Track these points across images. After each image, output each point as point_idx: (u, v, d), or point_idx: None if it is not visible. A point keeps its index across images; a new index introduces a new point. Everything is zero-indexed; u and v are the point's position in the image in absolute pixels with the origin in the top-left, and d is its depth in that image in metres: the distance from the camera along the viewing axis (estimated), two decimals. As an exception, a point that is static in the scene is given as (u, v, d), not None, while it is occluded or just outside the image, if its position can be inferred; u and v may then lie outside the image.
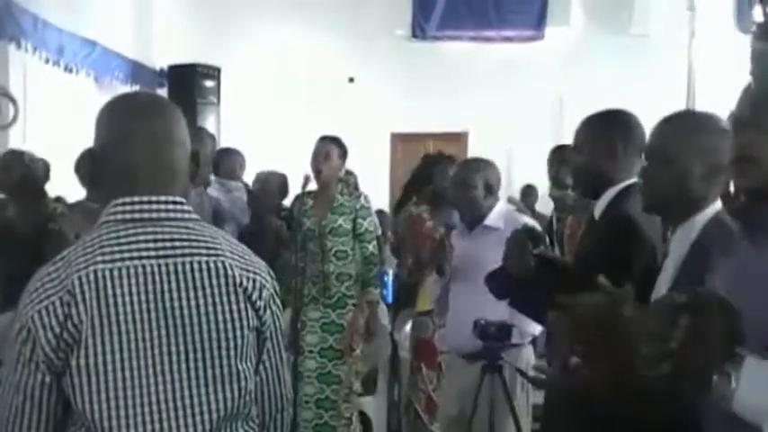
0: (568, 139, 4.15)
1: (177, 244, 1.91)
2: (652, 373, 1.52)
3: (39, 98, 8.29)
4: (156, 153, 1.96)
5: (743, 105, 1.98)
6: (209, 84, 10.72)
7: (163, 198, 1.93)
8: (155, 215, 1.91)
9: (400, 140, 11.66)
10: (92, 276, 1.80)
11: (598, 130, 3.26)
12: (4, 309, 5.62)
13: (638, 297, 2.23)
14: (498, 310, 4.19)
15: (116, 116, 2.01)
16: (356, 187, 7.18)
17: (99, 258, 1.83)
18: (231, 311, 1.91)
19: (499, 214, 4.67)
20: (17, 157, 6.33)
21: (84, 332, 1.77)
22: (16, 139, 7.72)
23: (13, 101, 7.92)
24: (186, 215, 1.97)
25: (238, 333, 1.91)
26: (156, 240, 1.89)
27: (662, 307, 1.54)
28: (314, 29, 11.66)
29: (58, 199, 6.34)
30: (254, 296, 1.95)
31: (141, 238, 1.88)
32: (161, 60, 11.09)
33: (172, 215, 1.94)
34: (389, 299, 6.79)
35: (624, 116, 3.29)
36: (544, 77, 11.07)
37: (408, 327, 6.18)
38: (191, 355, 1.86)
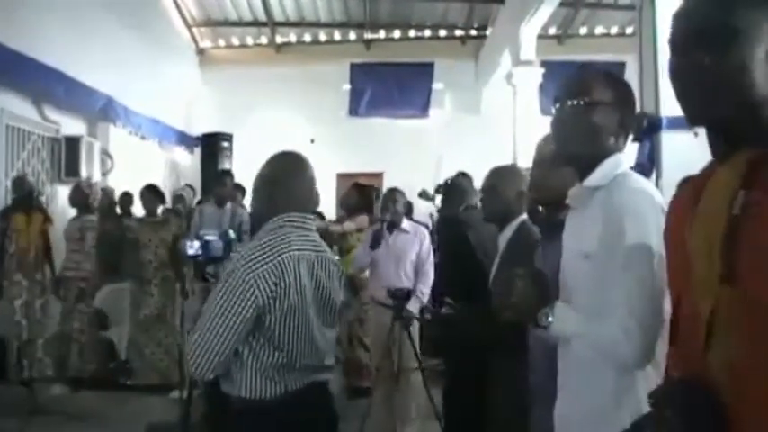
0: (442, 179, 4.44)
1: (319, 244, 2.05)
2: (505, 316, 1.52)
3: (125, 155, 8.39)
4: (309, 188, 2.09)
5: (536, 153, 2.08)
6: (225, 144, 10.57)
7: (312, 216, 2.08)
8: (308, 225, 2.03)
9: (341, 178, 11.12)
10: (290, 258, 1.89)
11: (458, 180, 3.49)
12: (109, 280, 5.84)
13: (479, 274, 2.64)
14: (404, 281, 4.45)
15: (287, 165, 2.12)
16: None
17: (292, 248, 1.92)
18: (338, 285, 2.08)
19: (408, 224, 4.69)
20: (107, 192, 6.59)
21: (288, 289, 1.86)
22: (111, 181, 7.78)
23: (111, 157, 8.05)
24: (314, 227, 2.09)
25: (339, 297, 2.08)
26: (312, 241, 2.01)
27: (505, 277, 1.52)
28: (290, 109, 11.43)
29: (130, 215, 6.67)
30: (342, 278, 2.14)
31: (308, 239, 2.00)
32: (197, 130, 10.97)
33: (313, 226, 2.08)
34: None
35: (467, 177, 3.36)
36: (429, 141, 11.07)
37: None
38: (326, 307, 2.01)
